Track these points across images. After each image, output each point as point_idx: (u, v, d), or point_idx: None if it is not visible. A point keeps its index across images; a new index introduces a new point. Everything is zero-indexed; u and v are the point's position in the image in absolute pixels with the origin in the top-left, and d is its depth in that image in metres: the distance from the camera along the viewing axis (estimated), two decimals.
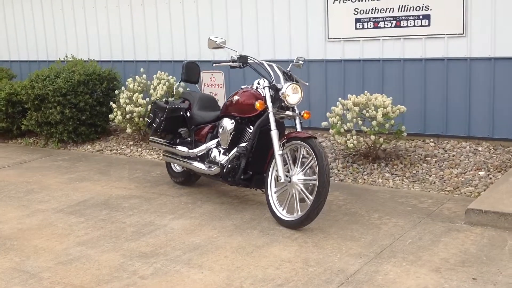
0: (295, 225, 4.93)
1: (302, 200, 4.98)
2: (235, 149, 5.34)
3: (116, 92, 8.18)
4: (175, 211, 5.55)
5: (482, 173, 6.18)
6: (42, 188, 6.44)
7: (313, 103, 7.93)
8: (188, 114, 6.12)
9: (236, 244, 4.68)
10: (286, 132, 5.35)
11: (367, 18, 7.36)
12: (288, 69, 5.70)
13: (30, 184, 6.65)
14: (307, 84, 5.99)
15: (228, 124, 5.53)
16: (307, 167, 4.98)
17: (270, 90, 5.28)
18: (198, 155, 5.82)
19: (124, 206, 5.74)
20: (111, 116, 8.09)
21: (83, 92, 8.22)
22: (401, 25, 7.19)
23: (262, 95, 5.31)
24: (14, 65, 10.73)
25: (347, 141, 6.48)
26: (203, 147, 5.78)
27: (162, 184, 6.41)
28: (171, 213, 5.48)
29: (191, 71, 6.15)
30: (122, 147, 8.16)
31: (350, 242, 4.63)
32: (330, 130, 6.72)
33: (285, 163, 5.12)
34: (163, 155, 6.38)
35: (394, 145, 7.10)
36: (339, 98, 6.78)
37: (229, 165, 5.39)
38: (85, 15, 9.65)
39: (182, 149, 5.97)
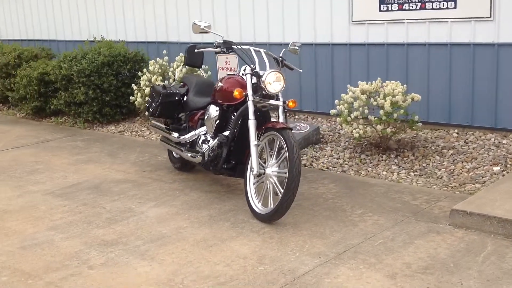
0: (266, 219, 4.72)
1: (278, 193, 4.76)
2: (217, 138, 5.18)
3: (139, 74, 8.15)
4: (159, 198, 5.46)
5: (497, 168, 5.71)
6: (46, 169, 6.53)
7: (337, 88, 7.61)
8: (185, 99, 5.99)
9: (200, 237, 4.54)
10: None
11: None
12: (281, 55, 5.45)
13: (38, 164, 6.76)
14: (301, 71, 5.71)
15: (213, 111, 5.36)
16: (281, 159, 4.75)
17: (252, 77, 5.05)
18: (188, 141, 5.69)
19: (113, 191, 5.71)
20: (132, 98, 8.09)
21: (107, 74, 8.25)
22: (426, 7, 6.73)
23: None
24: (61, 45, 10.92)
25: (353, 131, 6.15)
26: (192, 133, 5.64)
27: (161, 169, 6.34)
28: (154, 200, 5.40)
29: (193, 55, 5.98)
30: (143, 129, 8.16)
31: (317, 240, 4.38)
32: (337, 119, 6.42)
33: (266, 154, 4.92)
34: (161, 140, 6.30)
35: (415, 135, 6.71)
36: (348, 85, 6.45)
37: (211, 154, 5.23)
38: None
39: (174, 134, 5.86)
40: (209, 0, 8.56)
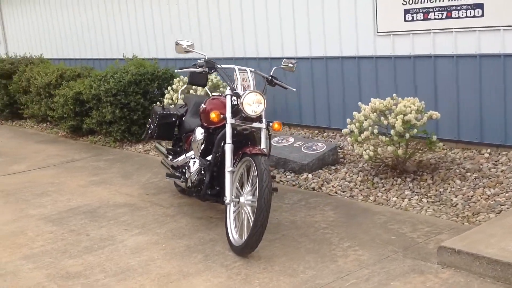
0: (239, 252, 4.39)
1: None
2: (198, 163, 4.91)
3: (165, 92, 8.01)
4: (147, 224, 5.24)
5: None
6: (55, 191, 6.48)
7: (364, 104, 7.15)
8: (183, 120, 5.75)
9: (166, 271, 4.27)
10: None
11: (416, 8, 6.44)
12: (271, 73, 5.12)
13: (52, 185, 6.73)
14: (294, 90, 5.33)
15: (198, 134, 5.08)
16: (255, 187, 4.39)
17: (233, 98, 4.74)
18: (180, 165, 5.45)
19: (106, 216, 5.55)
20: None
21: (134, 92, 8.17)
22: (453, 16, 6.18)
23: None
24: (109, 63, 10.98)
25: (363, 152, 5.69)
26: (183, 157, 5.40)
27: (165, 192, 6.12)
28: (141, 227, 5.18)
29: (197, 74, 5.72)
30: None
31: (285, 278, 4.00)
32: (348, 139, 5.98)
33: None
34: (161, 162, 6.09)
35: (443, 156, 6.17)
36: (359, 103, 6.01)
37: (193, 179, 4.96)
38: (160, 13, 9.61)
39: (170, 157, 5.64)
40: (237, 17, 8.35)
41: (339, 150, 6.71)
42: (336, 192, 5.74)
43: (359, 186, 5.78)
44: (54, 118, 9.54)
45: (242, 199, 4.46)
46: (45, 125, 10.55)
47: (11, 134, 10.28)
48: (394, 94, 5.95)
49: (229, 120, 4.62)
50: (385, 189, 5.61)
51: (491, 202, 5.03)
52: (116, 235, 5.03)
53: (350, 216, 5.06)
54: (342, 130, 6.09)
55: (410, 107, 5.58)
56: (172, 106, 6.07)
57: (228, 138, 4.57)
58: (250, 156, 4.39)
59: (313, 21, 7.45)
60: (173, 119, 5.72)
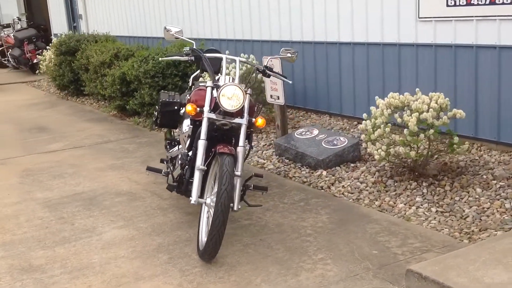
0: (201, 257, 4.11)
1: None
2: (179, 157, 4.65)
3: (201, 76, 7.77)
4: (135, 217, 5.07)
5: None
6: (72, 174, 6.45)
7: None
8: None
9: (122, 271, 4.07)
10: None
11: None
12: (266, 63, 4.74)
13: (72, 167, 6.71)
14: (290, 82, 4.92)
15: (185, 126, 4.83)
16: None
17: (213, 90, 4.42)
18: (173, 157, 5.21)
19: (102, 204, 5.43)
20: None
21: (173, 74, 8.00)
22: (497, 1, 5.51)
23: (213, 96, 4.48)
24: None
25: (375, 152, 5.21)
26: (175, 148, 5.15)
27: None
28: (127, 220, 5.02)
29: (209, 59, 5.44)
30: None
31: None
32: (362, 136, 5.50)
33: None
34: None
35: (476, 158, 5.58)
36: (376, 97, 5.49)
37: (174, 174, 4.71)
38: None
39: (168, 147, 5.42)
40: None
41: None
42: (343, 194, 5.30)
43: (370, 188, 5.31)
44: (105, 97, 9.59)
45: (208, 201, 4.16)
46: (102, 103, 10.66)
47: (69, 111, 10.46)
48: (417, 89, 5.39)
49: (206, 114, 4.32)
50: (395, 194, 5.11)
51: (506, 217, 4.44)
52: (97, 227, 4.89)
53: (342, 223, 4.63)
54: (359, 126, 5.61)
55: (428, 104, 5.01)
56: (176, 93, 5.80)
57: (203, 134, 4.26)
58: (218, 155, 4.07)
59: (356, 4, 6.93)
60: (175, 107, 5.46)
